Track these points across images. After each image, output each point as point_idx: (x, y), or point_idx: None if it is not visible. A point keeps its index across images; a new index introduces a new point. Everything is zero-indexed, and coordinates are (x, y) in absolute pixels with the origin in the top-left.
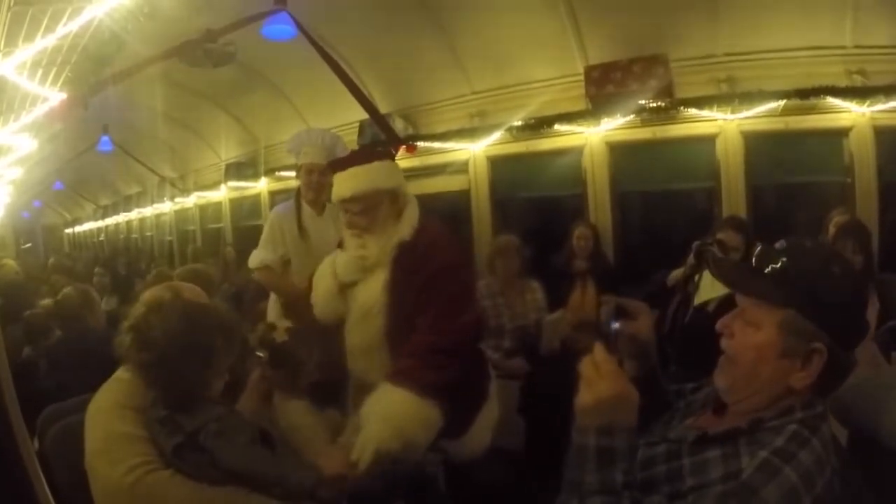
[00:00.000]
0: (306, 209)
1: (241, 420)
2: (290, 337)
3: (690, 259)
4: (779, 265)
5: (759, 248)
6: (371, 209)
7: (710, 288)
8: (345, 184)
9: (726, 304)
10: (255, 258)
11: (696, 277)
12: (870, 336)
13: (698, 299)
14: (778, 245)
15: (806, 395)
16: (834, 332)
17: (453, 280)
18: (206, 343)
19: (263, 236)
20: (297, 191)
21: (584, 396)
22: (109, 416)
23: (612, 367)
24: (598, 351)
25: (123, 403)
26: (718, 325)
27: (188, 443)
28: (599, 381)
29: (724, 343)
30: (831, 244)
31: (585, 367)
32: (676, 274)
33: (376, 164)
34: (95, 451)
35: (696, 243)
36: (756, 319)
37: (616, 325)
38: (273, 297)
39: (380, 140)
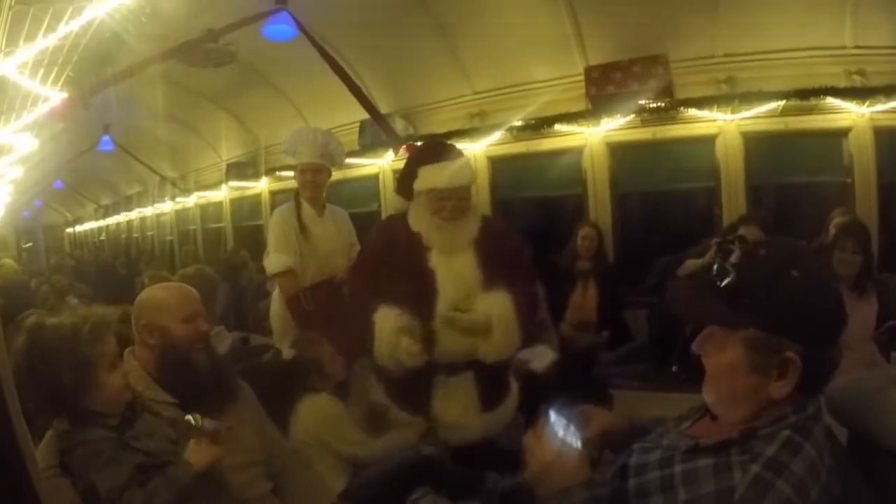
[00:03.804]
0: (307, 209)
1: (120, 450)
2: (297, 348)
3: (711, 256)
4: (732, 283)
5: (716, 266)
6: (469, 197)
7: None
8: (464, 172)
9: None
10: (276, 263)
11: None
12: (870, 335)
13: None
14: (732, 258)
15: (795, 398)
16: (806, 335)
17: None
18: (69, 344)
19: (275, 240)
20: (296, 191)
21: (531, 465)
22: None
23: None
24: (539, 426)
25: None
26: (694, 348)
27: (63, 463)
28: (540, 447)
29: (704, 362)
30: (831, 244)
31: (527, 439)
32: (693, 265)
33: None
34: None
35: (715, 240)
36: (721, 342)
37: (578, 440)
38: (276, 301)
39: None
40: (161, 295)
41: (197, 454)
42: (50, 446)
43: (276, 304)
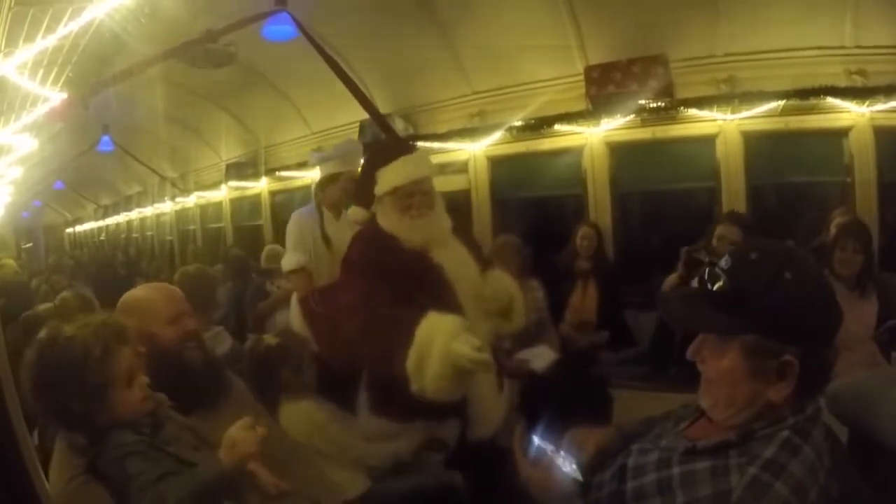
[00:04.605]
0: (327, 215)
1: (153, 451)
2: (282, 337)
3: (680, 267)
4: (725, 288)
5: (707, 271)
6: (432, 188)
7: None
8: (423, 164)
9: None
10: (291, 261)
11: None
12: (870, 335)
13: None
14: (723, 263)
15: (793, 400)
16: (803, 336)
17: None
18: (80, 365)
19: (292, 241)
20: (317, 198)
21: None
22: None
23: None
24: (523, 439)
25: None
26: (689, 354)
27: (92, 466)
28: (523, 460)
29: (701, 368)
30: (832, 244)
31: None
32: (671, 279)
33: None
34: (52, 464)
35: (684, 250)
36: (718, 348)
37: (573, 465)
38: (293, 302)
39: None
40: (144, 298)
41: (231, 450)
42: (68, 458)
43: (293, 305)
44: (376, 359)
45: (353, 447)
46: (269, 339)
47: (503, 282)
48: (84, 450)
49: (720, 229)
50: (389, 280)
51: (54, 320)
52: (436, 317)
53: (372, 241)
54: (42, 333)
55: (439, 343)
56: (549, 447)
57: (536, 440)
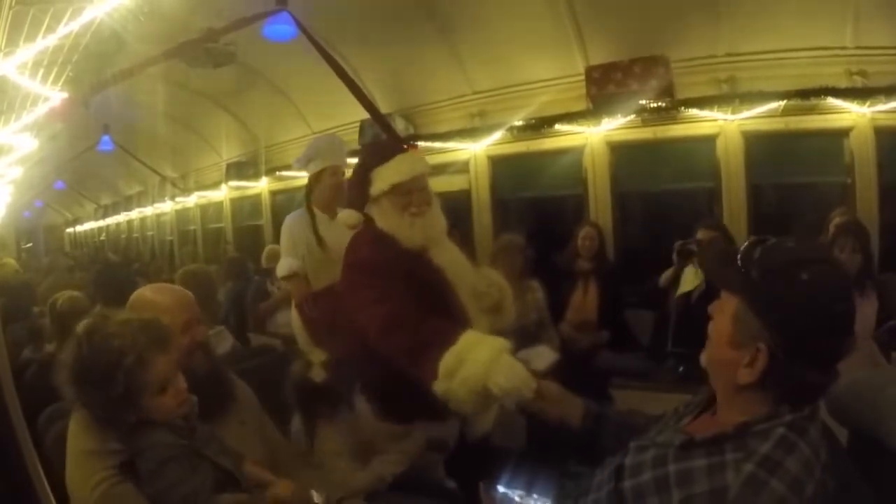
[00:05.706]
0: (320, 215)
1: (193, 455)
2: (329, 372)
3: (674, 257)
4: (752, 257)
5: (750, 239)
6: (429, 186)
7: (688, 281)
8: (421, 160)
9: (709, 294)
10: (284, 266)
11: (682, 272)
12: (870, 335)
13: (679, 290)
14: (767, 240)
15: (763, 398)
16: (782, 335)
17: None
18: (111, 370)
19: (286, 245)
20: (307, 198)
21: None
22: (77, 435)
23: None
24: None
25: (88, 421)
26: (709, 309)
27: (129, 464)
28: None
29: (709, 325)
30: (830, 244)
31: None
32: (667, 274)
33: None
34: (69, 472)
35: (677, 243)
36: (724, 306)
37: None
38: (293, 307)
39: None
40: (156, 303)
41: None
42: (94, 461)
43: (293, 310)
44: (401, 353)
45: (352, 471)
46: (316, 372)
47: (493, 277)
48: (116, 451)
49: (699, 234)
50: (398, 280)
51: (101, 308)
52: (477, 334)
53: (374, 243)
54: (82, 325)
55: (482, 357)
56: (517, 493)
57: (501, 489)
